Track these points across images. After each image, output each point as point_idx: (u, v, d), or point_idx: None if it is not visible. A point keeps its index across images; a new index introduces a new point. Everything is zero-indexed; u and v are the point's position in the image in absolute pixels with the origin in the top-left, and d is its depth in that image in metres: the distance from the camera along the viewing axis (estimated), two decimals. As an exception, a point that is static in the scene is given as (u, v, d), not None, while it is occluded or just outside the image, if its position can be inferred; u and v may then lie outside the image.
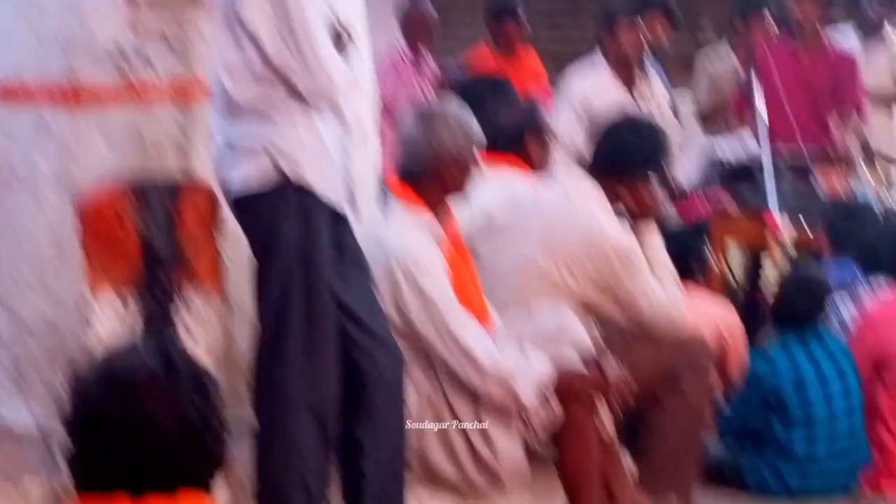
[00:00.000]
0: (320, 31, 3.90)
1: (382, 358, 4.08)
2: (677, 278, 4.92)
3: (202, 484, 2.06)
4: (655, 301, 4.71)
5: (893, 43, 8.40)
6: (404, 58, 8.35)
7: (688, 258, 5.52)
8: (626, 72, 7.07)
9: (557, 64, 8.27)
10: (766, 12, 8.17)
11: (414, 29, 8.40)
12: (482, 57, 8.21)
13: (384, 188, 4.60)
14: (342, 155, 4.04)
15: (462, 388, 4.30)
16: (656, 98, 7.16)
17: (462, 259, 4.49)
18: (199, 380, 2.07)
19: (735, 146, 7.02)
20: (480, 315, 4.42)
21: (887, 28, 8.55)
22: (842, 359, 5.00)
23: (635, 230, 4.83)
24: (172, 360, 2.06)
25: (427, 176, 4.35)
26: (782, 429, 4.92)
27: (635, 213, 4.86)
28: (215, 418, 2.07)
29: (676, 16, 7.92)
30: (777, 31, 7.94)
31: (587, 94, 6.90)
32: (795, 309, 5.06)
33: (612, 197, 4.79)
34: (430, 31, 8.48)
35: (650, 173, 4.87)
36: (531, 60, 8.61)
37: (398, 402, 4.16)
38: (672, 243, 5.14)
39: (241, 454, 3.98)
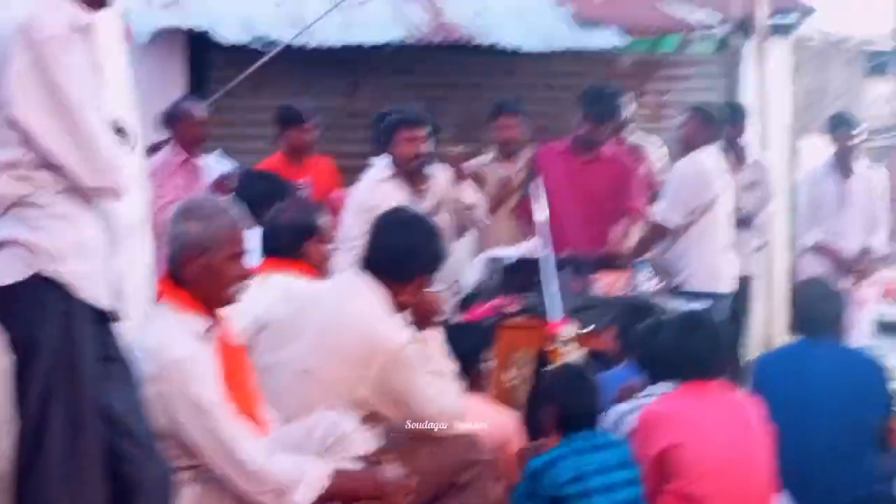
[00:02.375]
0: (103, 127, 3.82)
1: (150, 468, 3.93)
2: (457, 379, 4.88)
3: None
4: (435, 401, 4.66)
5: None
6: (176, 159, 8.21)
7: (469, 360, 5.49)
8: (410, 177, 7.13)
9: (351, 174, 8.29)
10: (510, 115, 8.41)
11: (185, 129, 8.27)
12: (272, 164, 8.15)
13: (155, 289, 4.46)
14: (109, 254, 3.92)
15: (235, 497, 4.15)
16: (440, 201, 7.22)
17: (236, 364, 4.35)
18: None
19: (518, 250, 7.09)
20: (256, 421, 4.28)
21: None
22: (630, 468, 4.99)
23: (417, 331, 4.78)
24: None
25: (190, 274, 4.21)
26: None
27: (415, 313, 4.83)
28: None
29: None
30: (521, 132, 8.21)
31: (373, 199, 6.92)
32: (571, 413, 5.04)
33: (393, 298, 4.75)
34: (201, 132, 8.34)
35: (428, 274, 4.84)
36: (323, 169, 8.59)
37: (168, 512, 4.01)
38: (454, 344, 5.11)
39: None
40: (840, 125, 9.24)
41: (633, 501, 4.93)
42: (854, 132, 9.20)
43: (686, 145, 8.27)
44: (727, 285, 8.16)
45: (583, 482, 4.84)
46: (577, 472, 4.85)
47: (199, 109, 8.33)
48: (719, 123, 8.36)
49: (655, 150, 9.09)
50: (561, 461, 4.88)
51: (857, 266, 9.11)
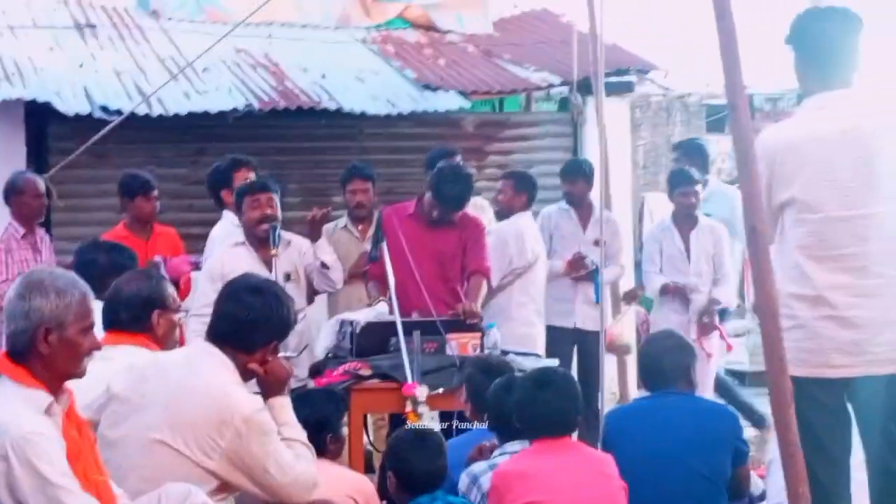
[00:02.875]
0: None
1: (-4, 549, 3.83)
2: (310, 446, 4.83)
3: None
4: (287, 469, 4.60)
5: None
6: (17, 235, 8.07)
7: (323, 425, 5.44)
8: (259, 243, 7.12)
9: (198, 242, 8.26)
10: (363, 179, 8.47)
11: (23, 203, 8.13)
12: (117, 235, 8.05)
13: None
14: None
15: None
16: (293, 267, 7.22)
17: (82, 439, 4.25)
18: None
19: (369, 313, 7.07)
20: (103, 496, 4.19)
21: None
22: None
23: (266, 399, 4.73)
24: None
25: (31, 349, 4.12)
26: None
27: (263, 382, 4.78)
28: None
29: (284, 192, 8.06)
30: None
31: (223, 266, 6.89)
32: (412, 477, 5.05)
33: (240, 367, 4.69)
34: (40, 205, 8.22)
35: (274, 343, 4.80)
36: (168, 238, 8.51)
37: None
38: (307, 410, 5.07)
39: None
40: (680, 181, 9.37)
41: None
42: (694, 188, 9.32)
43: (503, 210, 8.59)
44: (540, 346, 8.48)
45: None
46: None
47: (38, 182, 8.22)
48: (534, 188, 8.74)
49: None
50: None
51: (703, 318, 9.21)
